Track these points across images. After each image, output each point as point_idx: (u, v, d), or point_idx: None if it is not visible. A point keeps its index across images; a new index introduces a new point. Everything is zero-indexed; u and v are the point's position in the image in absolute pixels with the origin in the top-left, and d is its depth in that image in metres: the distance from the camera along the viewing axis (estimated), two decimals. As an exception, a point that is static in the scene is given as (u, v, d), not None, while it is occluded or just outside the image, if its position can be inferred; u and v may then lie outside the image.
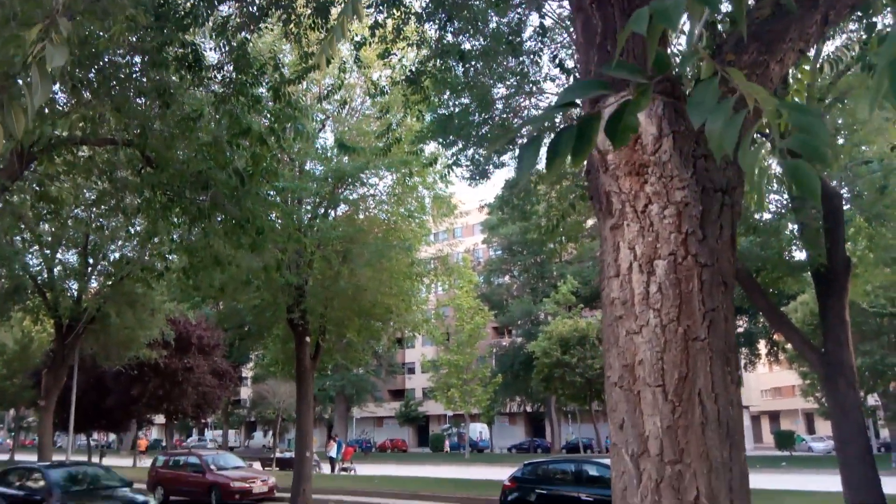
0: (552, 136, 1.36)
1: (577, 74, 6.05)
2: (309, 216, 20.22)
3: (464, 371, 46.12)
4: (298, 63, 9.16)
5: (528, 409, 62.13)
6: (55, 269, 28.72)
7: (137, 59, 8.11)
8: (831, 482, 17.88)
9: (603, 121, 1.37)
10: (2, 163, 9.88)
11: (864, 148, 11.96)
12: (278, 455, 35.89)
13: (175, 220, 10.28)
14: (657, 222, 1.95)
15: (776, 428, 56.04)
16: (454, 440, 63.53)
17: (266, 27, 8.03)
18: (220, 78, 7.89)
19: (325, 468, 33.56)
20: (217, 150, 8.27)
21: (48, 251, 27.70)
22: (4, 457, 53.86)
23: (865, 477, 10.85)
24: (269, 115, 8.97)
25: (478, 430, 61.84)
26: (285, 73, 8.70)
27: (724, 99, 1.22)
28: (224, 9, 7.19)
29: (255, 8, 6.58)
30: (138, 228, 17.61)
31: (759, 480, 23.28)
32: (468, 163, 15.69)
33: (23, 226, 18.92)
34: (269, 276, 15.16)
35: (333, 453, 34.49)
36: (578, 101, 1.41)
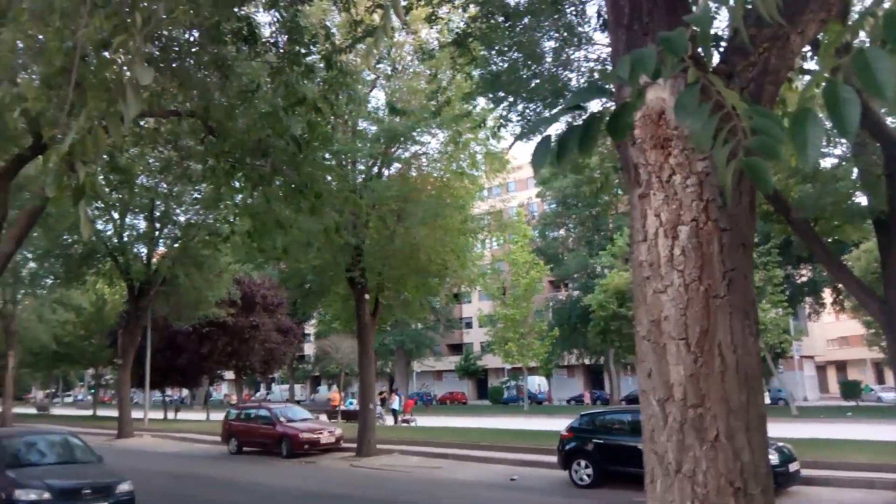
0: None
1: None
2: (363, 177, 20.64)
3: (521, 325, 46.46)
4: (347, 27, 9.37)
5: (587, 361, 62.36)
6: (125, 235, 30.23)
7: (196, 33, 8.44)
8: (896, 431, 17.66)
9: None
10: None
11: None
12: (343, 408, 37.26)
13: (238, 185, 10.76)
14: (680, 191, 2.14)
15: (843, 378, 54.79)
16: (513, 393, 64.35)
17: (316, -3, 8.24)
18: (274, 49, 8.18)
19: (389, 420, 34.72)
20: (275, 118, 8.62)
21: (118, 217, 29.13)
22: (87, 412, 57.52)
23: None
24: (321, 83, 9.26)
25: (536, 382, 62.45)
26: (336, 41, 8.94)
27: (705, 103, 1.41)
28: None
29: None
30: (201, 195, 18.31)
31: (822, 430, 23.03)
32: (518, 118, 15.70)
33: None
34: (328, 238, 15.65)
35: (396, 405, 35.62)
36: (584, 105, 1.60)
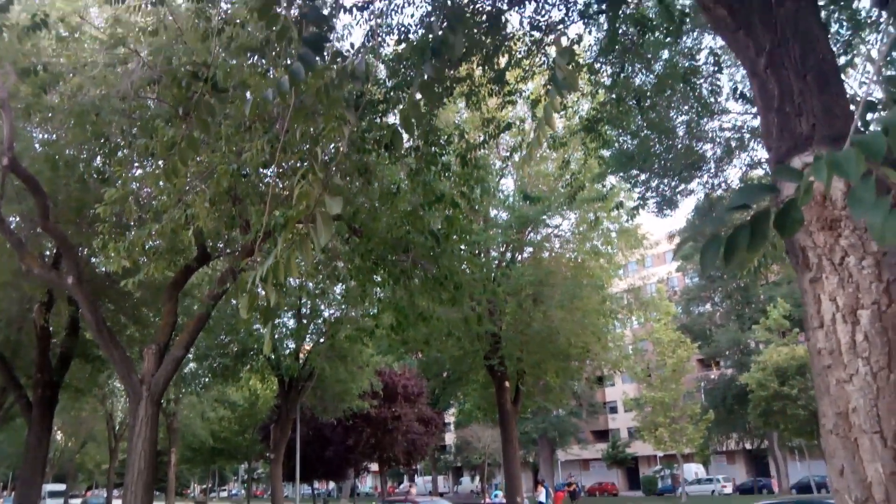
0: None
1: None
2: (497, 263, 20.89)
3: (671, 408, 43.93)
4: (480, 123, 9.80)
5: (748, 445, 57.48)
6: (275, 333, 32.10)
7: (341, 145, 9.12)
8: None
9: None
10: (234, 248, 11.51)
11: None
12: (488, 501, 36.42)
13: (379, 279, 11.24)
14: (856, 273, 2.02)
15: None
16: (667, 482, 60.22)
17: (448, 100, 8.72)
18: (413, 153, 8.68)
19: (536, 513, 33.44)
20: (415, 216, 9.05)
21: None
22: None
23: None
24: (457, 179, 9.66)
25: (693, 470, 58.19)
26: (468, 138, 9.38)
27: (882, 196, 1.34)
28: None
29: (440, 88, 7.23)
30: (346, 291, 19.23)
31: None
32: (653, 194, 15.40)
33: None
34: (468, 327, 15.85)
35: (542, 498, 34.24)
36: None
